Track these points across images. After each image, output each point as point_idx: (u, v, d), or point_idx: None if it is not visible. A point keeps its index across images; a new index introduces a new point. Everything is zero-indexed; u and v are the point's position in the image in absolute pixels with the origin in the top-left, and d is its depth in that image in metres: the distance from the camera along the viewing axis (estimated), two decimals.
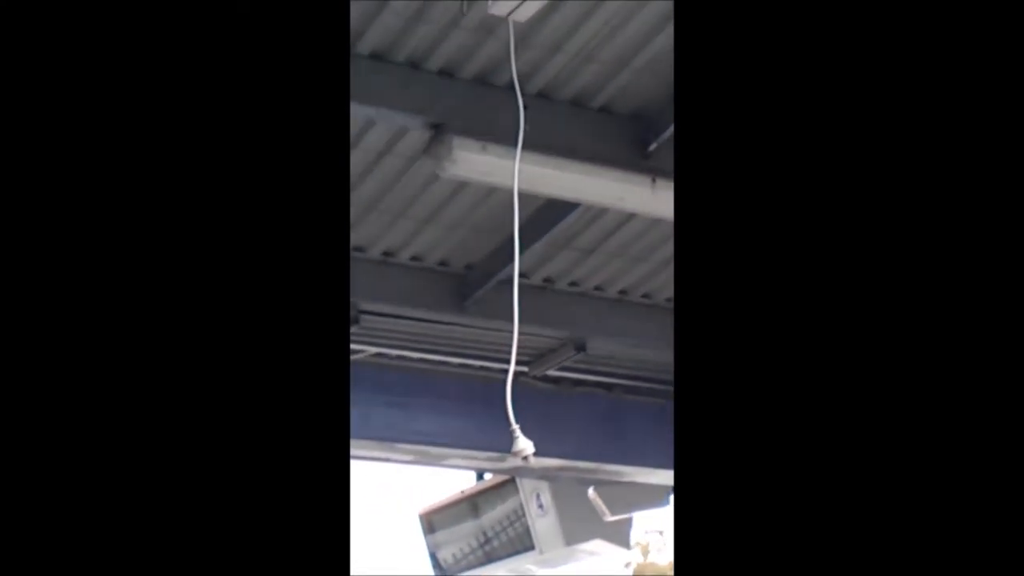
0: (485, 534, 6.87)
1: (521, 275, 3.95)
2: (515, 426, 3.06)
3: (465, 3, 3.02)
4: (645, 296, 5.50)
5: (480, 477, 6.76)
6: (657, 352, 5.68)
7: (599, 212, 4.77)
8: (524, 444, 3.01)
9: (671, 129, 4.22)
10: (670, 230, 4.91)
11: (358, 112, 3.98)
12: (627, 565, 7.16)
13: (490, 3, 2.61)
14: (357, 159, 4.33)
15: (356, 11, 3.61)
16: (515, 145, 3.27)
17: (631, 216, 4.81)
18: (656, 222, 4.85)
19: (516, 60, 3.57)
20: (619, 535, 6.41)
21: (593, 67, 4.17)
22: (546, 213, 4.64)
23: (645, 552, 7.22)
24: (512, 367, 3.54)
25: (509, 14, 2.58)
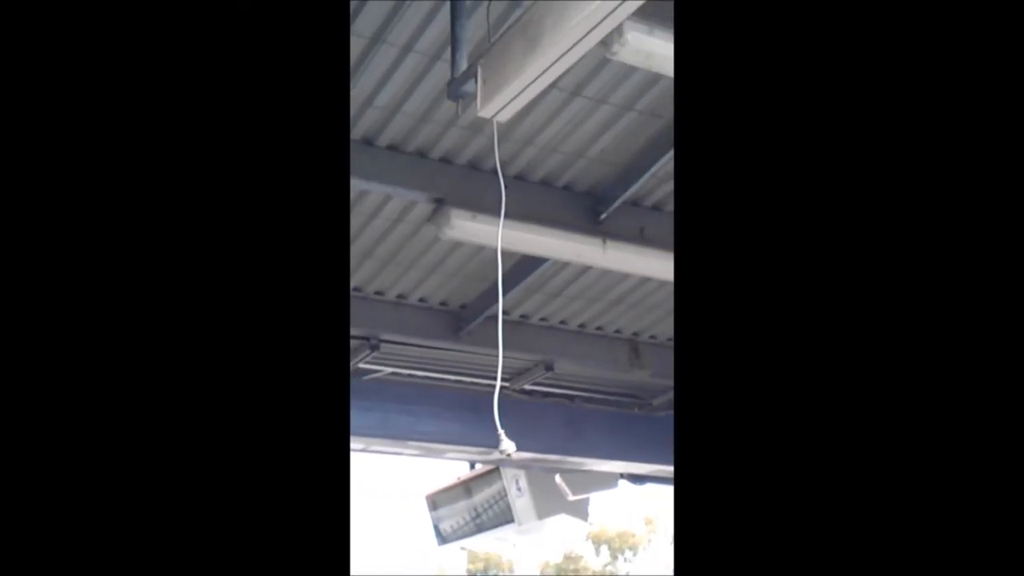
0: (476, 510, 6.88)
1: (504, 312, 3.98)
2: (500, 431, 3.09)
3: (459, 107, 3.05)
4: (598, 328, 5.55)
5: (472, 467, 6.76)
6: (607, 372, 5.74)
7: (563, 265, 4.81)
8: (507, 445, 3.05)
9: (617, 202, 4.28)
10: (618, 278, 4.97)
11: (377, 189, 4.11)
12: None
13: (478, 107, 2.64)
14: (376, 226, 4.43)
15: (374, 112, 3.67)
16: (498, 215, 3.32)
17: (587, 268, 4.86)
18: (606, 272, 4.91)
19: (499, 150, 3.62)
20: (579, 511, 6.43)
21: (557, 156, 4.24)
22: (522, 266, 4.67)
23: None
24: (498, 383, 3.58)
25: (493, 116, 2.61)
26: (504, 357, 4.05)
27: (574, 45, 2.56)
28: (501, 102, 2.65)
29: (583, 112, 3.97)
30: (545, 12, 2.51)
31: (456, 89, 2.91)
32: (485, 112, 2.70)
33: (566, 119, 4.00)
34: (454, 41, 2.97)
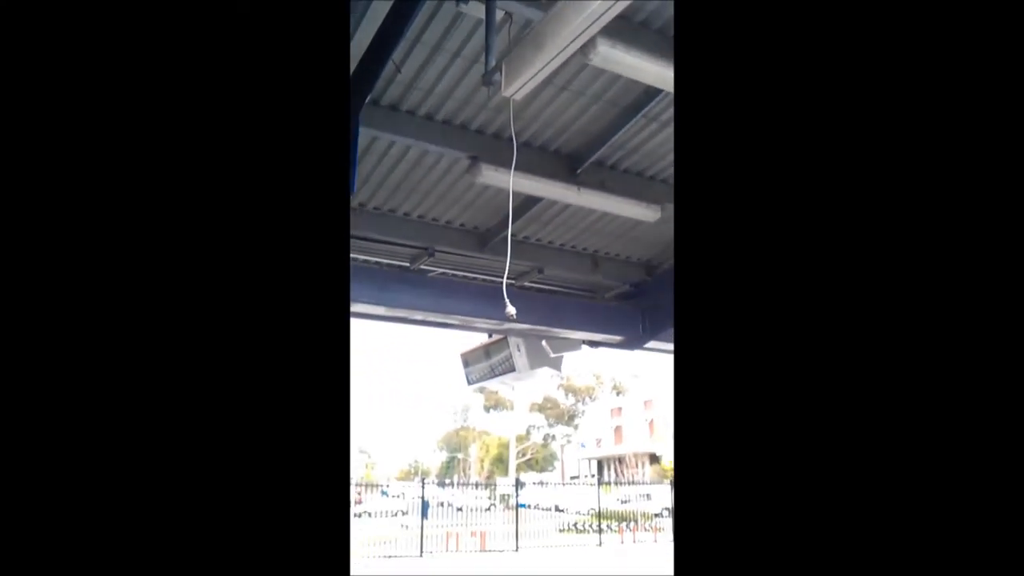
0: (491, 364, 6.92)
1: (512, 234, 3.98)
2: (507, 301, 3.08)
3: (489, 92, 2.97)
4: (572, 247, 5.45)
5: (490, 336, 6.77)
6: (577, 275, 5.63)
7: (550, 203, 4.69)
8: (510, 308, 3.06)
9: (587, 162, 4.21)
10: (589, 214, 4.91)
11: (433, 150, 4.04)
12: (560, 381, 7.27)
13: (503, 90, 2.56)
14: (433, 175, 4.35)
15: (433, 97, 3.57)
16: (511, 169, 3.31)
17: (567, 206, 4.75)
18: (579, 209, 4.79)
19: (513, 125, 3.57)
20: (557, 365, 6.45)
21: (550, 129, 4.13)
22: (526, 204, 4.60)
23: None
24: (505, 280, 3.57)
25: (511, 95, 2.54)
26: (511, 263, 4.08)
27: (562, 50, 2.48)
28: (518, 86, 2.56)
29: (568, 101, 3.87)
30: (545, 28, 2.42)
31: (488, 79, 2.82)
32: (507, 93, 2.62)
33: (557, 105, 3.90)
34: (487, 48, 2.86)
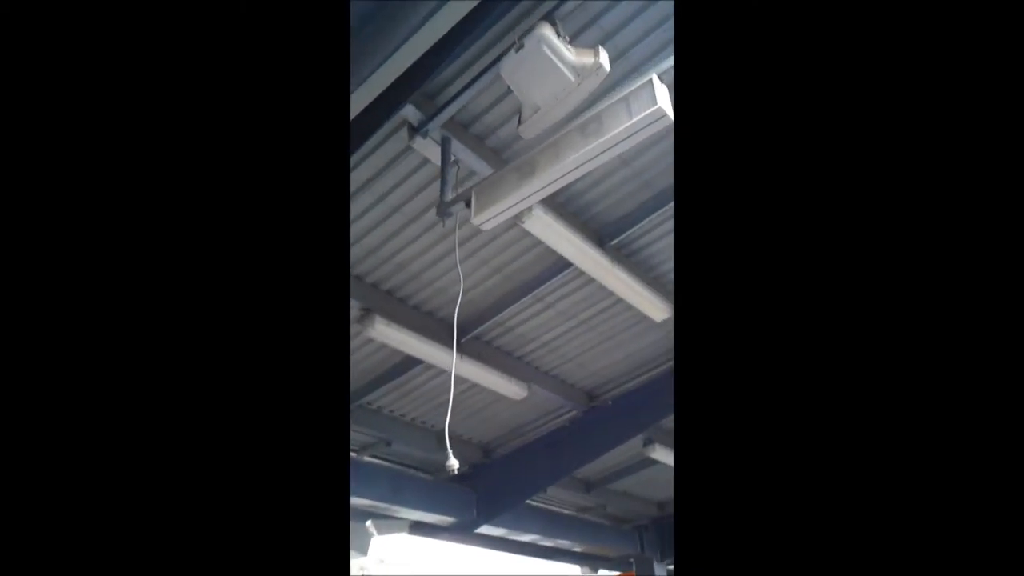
0: None
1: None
2: (449, 452, 2.58)
3: (444, 223, 2.80)
4: (422, 422, 5.10)
5: None
6: (421, 451, 5.23)
7: (418, 373, 4.44)
8: (453, 461, 2.53)
9: (475, 331, 4.04)
10: (451, 388, 4.61)
11: None
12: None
13: (473, 218, 2.40)
14: None
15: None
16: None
17: (433, 377, 4.48)
18: (444, 382, 4.53)
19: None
20: (363, 549, 5.63)
21: (443, 297, 3.96)
22: (398, 368, 4.23)
23: None
24: None
25: (479, 224, 2.40)
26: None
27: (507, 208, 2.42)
28: (487, 217, 2.43)
29: (470, 268, 3.81)
30: (538, 158, 2.36)
31: (444, 210, 2.66)
32: (476, 221, 2.46)
33: (455, 273, 3.78)
34: (443, 182, 2.76)
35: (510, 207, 2.39)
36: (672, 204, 3.57)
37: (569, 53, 2.39)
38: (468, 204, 2.53)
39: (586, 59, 2.41)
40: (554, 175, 2.28)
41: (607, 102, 2.26)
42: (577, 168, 2.28)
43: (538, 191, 2.33)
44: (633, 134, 2.17)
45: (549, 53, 2.36)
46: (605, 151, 2.23)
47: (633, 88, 2.20)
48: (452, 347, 4.07)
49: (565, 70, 2.38)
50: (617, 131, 2.18)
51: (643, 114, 2.13)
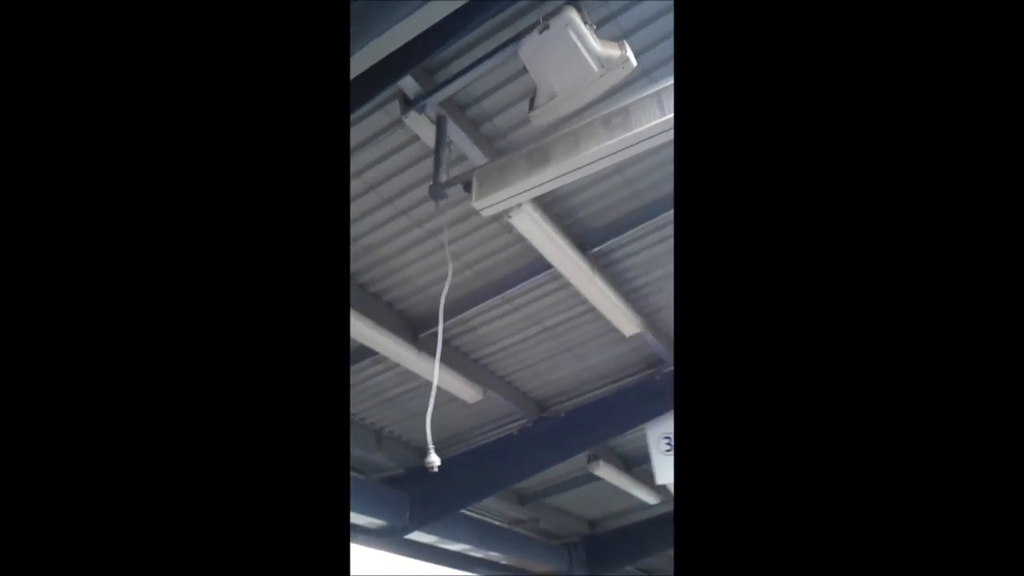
0: None
1: None
2: (431, 447, 2.32)
3: (437, 204, 2.57)
4: (361, 419, 4.80)
5: None
6: (357, 449, 4.92)
7: (370, 364, 4.15)
8: (434, 457, 2.25)
9: (432, 329, 3.82)
10: (404, 382, 4.36)
11: None
12: None
13: (474, 201, 2.20)
14: None
15: None
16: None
17: (385, 371, 4.23)
18: (397, 376, 4.29)
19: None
20: None
21: (407, 287, 3.74)
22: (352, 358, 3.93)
23: None
24: None
25: (482, 210, 2.19)
26: None
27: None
28: (490, 203, 2.22)
29: (435, 264, 3.52)
30: (553, 146, 2.17)
31: (438, 192, 2.43)
32: (477, 205, 2.25)
33: (421, 264, 3.59)
34: (437, 162, 2.52)
35: (517, 194, 2.19)
36: (658, 219, 3.45)
37: (595, 42, 2.22)
38: (467, 188, 2.31)
39: (612, 51, 2.24)
40: (570, 166, 2.10)
41: (636, 96, 2.10)
42: (596, 162, 2.10)
43: (550, 181, 2.14)
44: (662, 132, 2.01)
45: (575, 39, 2.17)
46: (629, 147, 2.06)
47: (667, 85, 2.04)
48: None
49: (590, 59, 2.20)
50: (646, 127, 2.02)
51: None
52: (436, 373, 2.55)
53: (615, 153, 2.09)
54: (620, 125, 2.06)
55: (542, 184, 2.17)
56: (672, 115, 1.99)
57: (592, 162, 2.11)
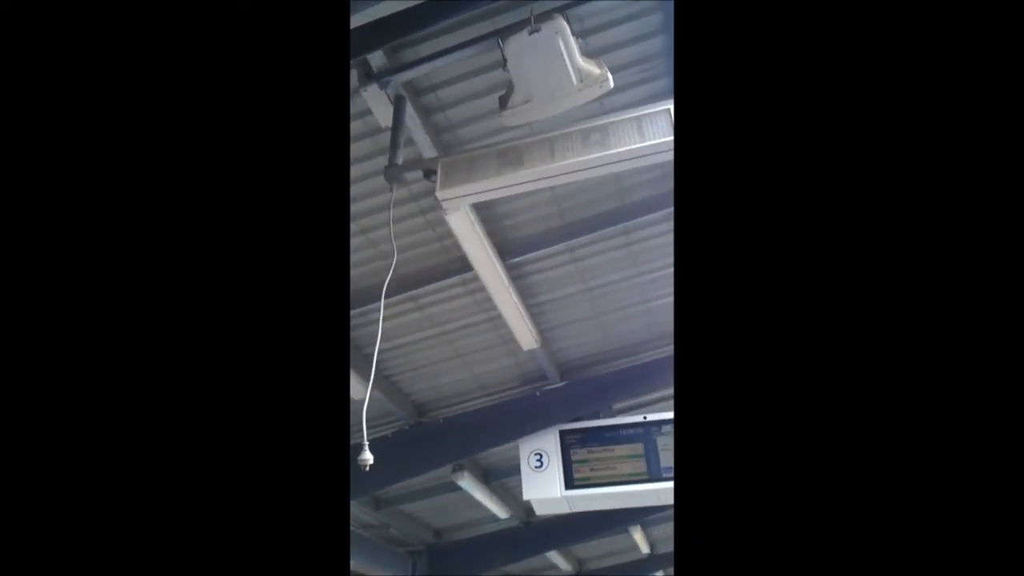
0: None
1: None
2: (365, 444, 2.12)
3: (393, 187, 2.44)
4: None
5: None
6: None
7: None
8: (367, 454, 2.06)
9: None
10: None
11: None
12: None
13: (438, 191, 2.13)
14: None
15: None
16: None
17: None
18: None
19: None
20: None
21: None
22: None
23: None
24: None
25: (443, 200, 2.13)
26: None
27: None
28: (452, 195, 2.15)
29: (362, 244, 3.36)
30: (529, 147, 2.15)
31: (394, 174, 2.32)
32: (440, 195, 2.18)
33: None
34: (394, 144, 2.41)
35: (485, 191, 2.13)
36: (572, 241, 3.53)
37: (579, 56, 2.24)
38: (427, 175, 2.22)
39: (593, 68, 2.27)
40: (543, 173, 2.08)
41: (618, 116, 2.13)
42: (567, 173, 2.10)
43: (520, 184, 2.11)
44: (637, 157, 2.06)
45: (562, 48, 2.18)
46: (602, 165, 2.08)
47: (649, 112, 2.09)
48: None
49: (571, 71, 2.21)
50: (622, 149, 2.05)
51: (654, 141, 2.03)
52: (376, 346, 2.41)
53: (587, 169, 2.11)
54: (598, 142, 2.08)
55: (512, 186, 2.13)
56: (649, 142, 2.04)
57: (564, 173, 2.11)
